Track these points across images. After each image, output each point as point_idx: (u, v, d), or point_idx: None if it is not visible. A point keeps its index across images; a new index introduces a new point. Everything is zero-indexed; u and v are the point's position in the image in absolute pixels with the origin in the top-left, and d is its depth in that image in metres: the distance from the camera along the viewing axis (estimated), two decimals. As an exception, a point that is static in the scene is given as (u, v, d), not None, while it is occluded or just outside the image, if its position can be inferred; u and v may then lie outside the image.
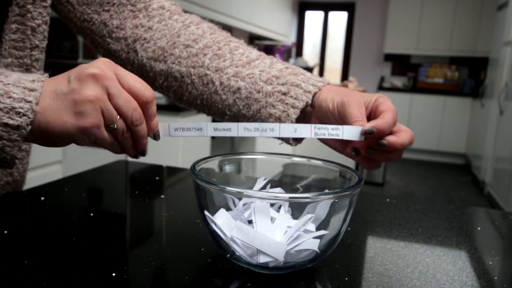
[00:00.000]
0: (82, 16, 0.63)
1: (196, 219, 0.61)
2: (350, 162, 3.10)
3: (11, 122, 0.39)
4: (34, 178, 0.87)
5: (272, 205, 0.49)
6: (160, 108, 2.25)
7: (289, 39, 5.76)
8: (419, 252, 0.54)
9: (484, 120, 4.26)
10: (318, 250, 0.44)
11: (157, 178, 0.84)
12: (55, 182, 0.76)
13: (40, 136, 0.41)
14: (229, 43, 0.59)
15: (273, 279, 0.44)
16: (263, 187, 0.52)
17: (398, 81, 5.91)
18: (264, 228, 0.43)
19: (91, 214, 0.61)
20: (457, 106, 5.38)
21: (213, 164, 0.52)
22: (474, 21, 5.40)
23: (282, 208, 0.49)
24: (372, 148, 0.48)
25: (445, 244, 0.57)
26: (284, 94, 0.54)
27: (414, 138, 0.48)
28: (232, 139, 3.50)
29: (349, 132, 0.46)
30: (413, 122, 5.47)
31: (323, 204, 0.45)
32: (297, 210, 0.49)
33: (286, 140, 0.57)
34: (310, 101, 0.53)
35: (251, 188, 0.51)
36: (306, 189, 0.54)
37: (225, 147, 3.36)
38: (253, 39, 4.90)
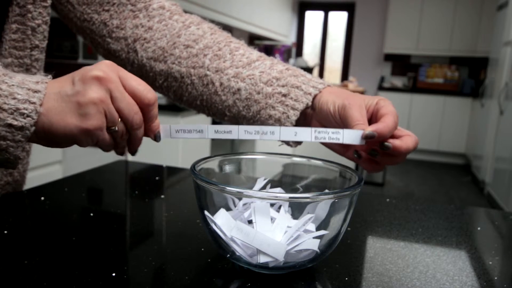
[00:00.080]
0: (82, 16, 0.63)
1: (196, 219, 0.61)
2: (350, 162, 3.10)
3: (15, 123, 0.39)
4: (34, 178, 0.87)
5: (272, 205, 0.49)
6: (160, 108, 2.25)
7: (289, 39, 5.76)
8: (419, 252, 0.54)
9: (484, 120, 4.26)
10: (318, 250, 0.44)
11: (157, 178, 0.84)
12: (55, 182, 0.76)
13: (44, 137, 0.41)
14: (230, 44, 0.59)
15: (273, 279, 0.44)
16: (263, 187, 0.52)
17: (398, 81, 5.91)
18: (264, 228, 0.43)
19: (91, 214, 0.61)
20: (457, 106, 5.38)
21: (213, 164, 0.52)
22: (474, 21, 5.40)
23: (282, 208, 0.49)
24: (375, 150, 0.48)
25: (445, 244, 0.57)
26: (284, 95, 0.54)
27: (418, 142, 0.48)
28: (232, 139, 3.49)
29: (350, 136, 0.46)
30: (413, 122, 5.47)
31: (323, 204, 0.45)
32: (297, 210, 0.49)
33: (286, 141, 0.57)
34: (310, 103, 0.53)
35: (251, 188, 0.51)
36: (306, 189, 0.54)
37: (225, 147, 3.36)
38: (253, 39, 4.90)
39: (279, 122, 0.54)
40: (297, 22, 6.35)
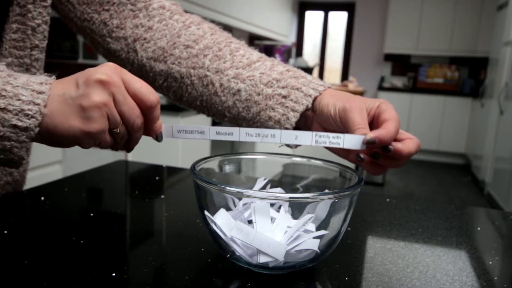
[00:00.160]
0: (82, 15, 0.63)
1: (196, 219, 0.61)
2: (350, 163, 3.10)
3: (20, 123, 0.39)
4: (34, 178, 0.87)
5: (272, 205, 0.49)
6: (161, 108, 2.24)
7: (289, 39, 5.76)
8: (419, 252, 0.54)
9: (484, 120, 4.26)
10: (318, 250, 0.44)
11: (157, 178, 0.84)
12: (55, 182, 0.76)
13: (47, 138, 0.42)
14: (230, 44, 0.59)
15: (273, 279, 0.44)
16: (263, 187, 0.52)
17: (398, 81, 5.91)
18: (264, 228, 0.43)
19: (91, 214, 0.61)
20: (457, 106, 5.38)
21: (213, 164, 0.52)
22: (474, 21, 5.40)
23: (282, 208, 0.49)
24: (377, 153, 0.48)
25: (445, 244, 0.57)
26: (284, 97, 0.54)
27: (420, 146, 0.48)
28: (232, 139, 3.49)
29: (350, 141, 0.46)
30: (413, 122, 5.47)
31: (323, 204, 0.45)
32: (297, 210, 0.49)
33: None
34: (310, 105, 0.53)
35: (251, 188, 0.51)
36: (306, 189, 0.54)
37: (225, 147, 3.36)
38: (253, 39, 4.90)
39: (279, 123, 0.54)
40: (297, 22, 6.35)
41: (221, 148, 3.23)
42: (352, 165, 3.23)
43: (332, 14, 6.26)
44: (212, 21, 0.65)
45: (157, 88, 0.63)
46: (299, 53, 6.29)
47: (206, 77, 0.58)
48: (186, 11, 0.66)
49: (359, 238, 0.58)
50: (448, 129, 5.42)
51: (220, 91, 0.57)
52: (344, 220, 0.45)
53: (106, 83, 0.41)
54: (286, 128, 0.54)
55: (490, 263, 0.52)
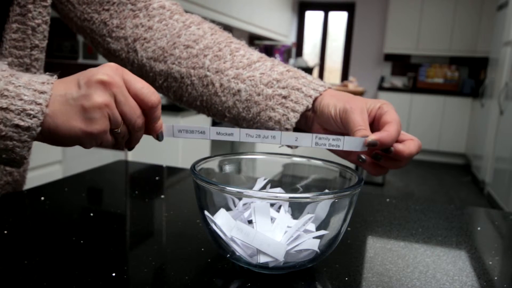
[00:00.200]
0: (82, 15, 0.63)
1: (196, 219, 0.61)
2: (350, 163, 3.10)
3: (22, 123, 0.39)
4: (34, 178, 0.87)
5: (272, 205, 0.49)
6: (161, 108, 2.25)
7: (289, 39, 5.76)
8: (419, 252, 0.54)
9: (484, 120, 4.26)
10: (318, 250, 0.44)
11: (157, 178, 0.84)
12: (55, 182, 0.76)
13: (49, 137, 0.42)
14: (230, 44, 0.59)
15: (273, 279, 0.44)
16: (263, 187, 0.52)
17: (398, 81, 5.91)
18: (264, 228, 0.43)
19: (91, 214, 0.61)
20: (457, 106, 5.38)
21: (213, 164, 0.52)
22: (474, 21, 5.40)
23: (282, 208, 0.49)
24: (378, 154, 0.48)
25: (445, 244, 0.57)
26: (285, 97, 0.54)
27: (421, 146, 0.48)
28: (232, 139, 3.49)
29: (350, 143, 0.46)
30: (413, 122, 5.47)
31: (323, 204, 0.45)
32: (297, 210, 0.49)
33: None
34: (310, 106, 0.53)
35: (251, 188, 0.51)
36: (306, 189, 0.54)
37: (225, 147, 3.36)
38: (253, 39, 4.90)
39: (279, 124, 0.54)
40: (297, 22, 6.35)
41: (221, 148, 3.23)
42: (352, 165, 3.23)
43: (332, 14, 6.26)
44: (212, 21, 0.65)
45: (157, 88, 0.63)
46: (299, 53, 6.29)
47: (206, 77, 0.58)
48: (186, 11, 0.66)
49: (359, 238, 0.58)
50: (448, 129, 5.42)
51: (220, 91, 0.57)
52: (344, 220, 0.45)
53: (107, 83, 0.41)
54: (286, 129, 0.54)
55: (490, 263, 0.52)
